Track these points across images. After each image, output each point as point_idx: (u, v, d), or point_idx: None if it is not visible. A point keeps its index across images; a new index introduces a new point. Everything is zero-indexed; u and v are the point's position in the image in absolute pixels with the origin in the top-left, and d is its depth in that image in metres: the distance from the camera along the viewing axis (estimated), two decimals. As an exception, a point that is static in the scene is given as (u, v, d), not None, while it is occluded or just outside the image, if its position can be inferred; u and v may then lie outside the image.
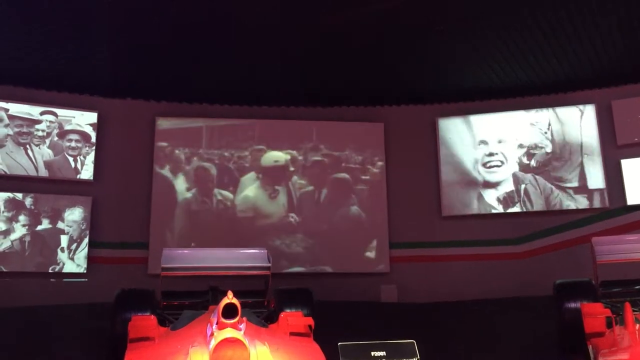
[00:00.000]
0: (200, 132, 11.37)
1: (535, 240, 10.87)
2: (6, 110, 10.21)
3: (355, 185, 11.48)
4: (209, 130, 11.40)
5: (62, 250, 10.17)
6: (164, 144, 11.15)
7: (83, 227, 10.32)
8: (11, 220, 9.99)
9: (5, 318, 8.63)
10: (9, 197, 10.04)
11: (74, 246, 10.23)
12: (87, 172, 10.54)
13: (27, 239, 10.02)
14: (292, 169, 11.46)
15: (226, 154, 11.35)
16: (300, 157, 11.51)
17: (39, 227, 10.12)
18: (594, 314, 5.71)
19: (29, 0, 7.67)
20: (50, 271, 10.07)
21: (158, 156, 11.10)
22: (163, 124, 11.21)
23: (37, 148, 10.36)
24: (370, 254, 11.18)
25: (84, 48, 9.05)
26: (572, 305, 6.27)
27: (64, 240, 10.21)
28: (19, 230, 10.01)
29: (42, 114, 10.44)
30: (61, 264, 10.12)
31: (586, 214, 10.65)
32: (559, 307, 6.43)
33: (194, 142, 11.30)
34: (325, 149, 11.56)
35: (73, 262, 10.17)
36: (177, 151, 11.20)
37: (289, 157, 11.49)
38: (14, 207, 10.04)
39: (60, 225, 10.22)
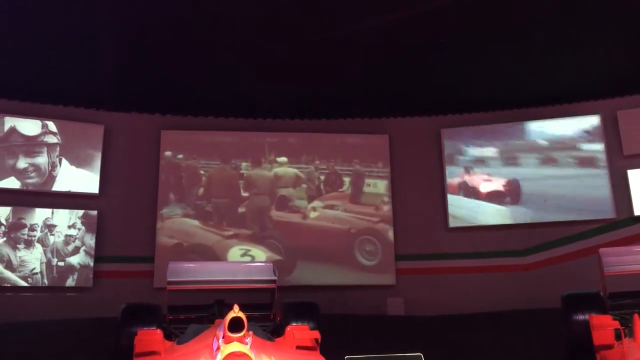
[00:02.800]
0: (205, 145, 11.40)
1: (542, 251, 10.81)
2: (13, 124, 10.25)
3: (361, 197, 11.46)
4: (215, 143, 11.43)
5: (68, 264, 10.14)
6: (170, 157, 11.18)
7: (88, 241, 10.30)
8: (16, 232, 9.98)
9: (11, 332, 8.63)
10: (14, 209, 10.04)
11: (79, 260, 10.21)
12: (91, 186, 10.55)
13: (32, 252, 10.01)
14: (297, 180, 11.45)
15: (232, 166, 11.36)
16: (306, 169, 11.51)
17: (44, 240, 10.11)
18: (602, 326, 5.65)
19: (34, 16, 7.73)
20: (56, 285, 10.04)
21: (163, 169, 11.12)
22: (168, 137, 11.25)
23: (42, 162, 10.38)
24: (377, 267, 11.13)
25: (90, 62, 9.12)
26: (581, 317, 6.22)
27: (69, 254, 10.19)
28: (23, 243, 9.99)
29: (45, 127, 10.47)
30: (68, 278, 10.09)
31: (593, 225, 10.59)
32: (567, 319, 6.37)
33: (200, 155, 11.33)
34: (330, 161, 11.56)
35: (79, 276, 10.14)
36: (182, 164, 11.23)
37: (294, 169, 11.49)
38: (19, 219, 10.04)
39: (65, 238, 10.22)
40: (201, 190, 11.24)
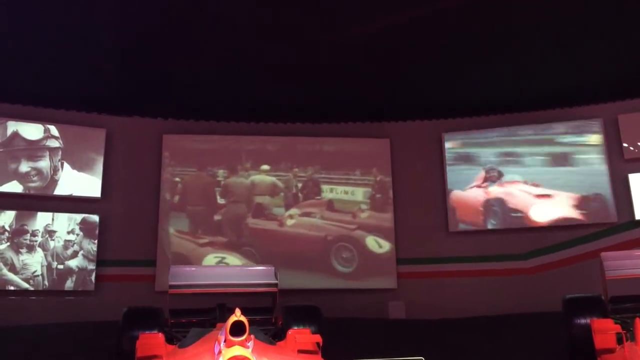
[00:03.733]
0: (206, 148, 11.41)
1: (543, 255, 10.82)
2: (16, 129, 10.28)
3: (362, 201, 11.47)
4: (216, 147, 11.44)
5: (70, 267, 10.17)
6: (171, 161, 11.20)
7: (90, 245, 10.32)
8: (19, 237, 10.01)
9: (13, 336, 8.64)
10: (18, 214, 10.07)
11: (81, 264, 10.22)
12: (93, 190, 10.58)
13: (34, 255, 10.03)
14: (299, 185, 11.47)
15: (233, 170, 11.37)
16: (306, 173, 11.52)
17: (46, 244, 10.14)
18: (604, 330, 5.65)
19: (35, 20, 7.76)
20: (58, 289, 10.06)
21: (165, 173, 11.14)
22: (170, 140, 11.27)
23: (44, 166, 10.41)
24: (378, 270, 11.13)
25: (91, 66, 9.15)
26: (582, 321, 6.21)
27: (71, 257, 10.21)
28: (26, 247, 10.02)
29: (47, 132, 10.50)
30: (71, 282, 10.11)
31: (594, 229, 10.58)
32: (569, 323, 6.37)
33: (201, 159, 11.35)
34: (331, 165, 11.58)
35: (80, 279, 10.16)
36: (184, 168, 11.24)
37: (295, 173, 11.50)
38: (23, 224, 10.07)
39: (67, 242, 10.24)
40: (177, 198, 11.21)
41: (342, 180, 11.54)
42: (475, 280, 10.90)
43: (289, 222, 11.31)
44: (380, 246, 11.29)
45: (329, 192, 11.51)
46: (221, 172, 11.35)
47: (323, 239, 11.25)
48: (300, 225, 11.30)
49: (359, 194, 11.51)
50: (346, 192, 11.52)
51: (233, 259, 10.90)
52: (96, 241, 10.37)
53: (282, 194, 11.43)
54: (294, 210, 11.38)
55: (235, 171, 11.39)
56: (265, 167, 11.49)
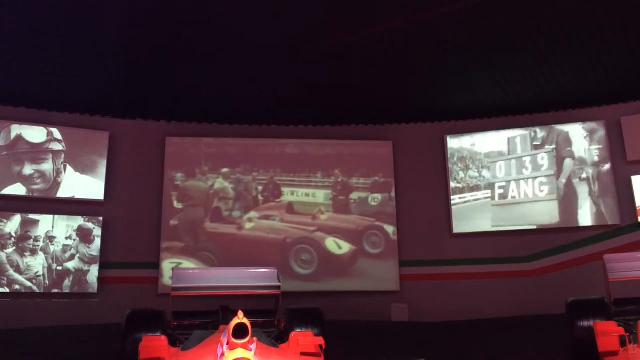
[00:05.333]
0: (210, 151, 11.43)
1: (546, 257, 10.80)
2: (20, 132, 10.33)
3: (364, 203, 11.47)
4: (219, 150, 11.46)
5: (73, 270, 10.20)
6: (174, 163, 11.22)
7: (93, 247, 10.36)
8: (23, 240, 10.06)
9: (16, 339, 8.66)
10: (22, 217, 10.12)
11: (84, 266, 10.26)
12: (97, 192, 10.62)
13: (38, 259, 10.08)
14: (301, 187, 11.47)
15: (236, 173, 11.40)
16: (309, 176, 11.53)
17: (50, 247, 10.17)
18: (607, 332, 5.64)
19: (39, 23, 7.78)
20: (61, 291, 10.10)
21: (168, 176, 11.17)
22: (173, 143, 11.30)
23: (47, 169, 10.45)
24: (380, 273, 11.13)
25: (95, 70, 9.16)
26: (585, 323, 6.19)
27: (73, 259, 10.25)
28: (29, 250, 10.07)
29: (50, 135, 10.54)
30: (73, 284, 10.15)
31: (597, 231, 10.57)
32: (572, 325, 6.35)
33: (204, 162, 11.37)
34: (333, 168, 11.58)
35: (84, 282, 10.20)
36: (187, 171, 11.26)
37: (299, 176, 11.51)
38: (27, 227, 10.12)
39: (70, 245, 10.27)
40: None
41: (304, 183, 11.49)
42: (478, 283, 10.89)
43: (248, 225, 11.25)
44: (339, 247, 11.25)
45: (289, 194, 11.46)
46: (179, 176, 11.27)
47: (282, 241, 11.19)
48: (259, 229, 11.23)
49: (320, 196, 11.48)
50: (307, 195, 11.48)
51: (189, 264, 10.78)
52: (99, 244, 10.39)
53: (241, 197, 11.33)
54: (253, 214, 11.32)
55: (194, 174, 11.31)
56: (270, 166, 11.48)
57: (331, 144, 11.69)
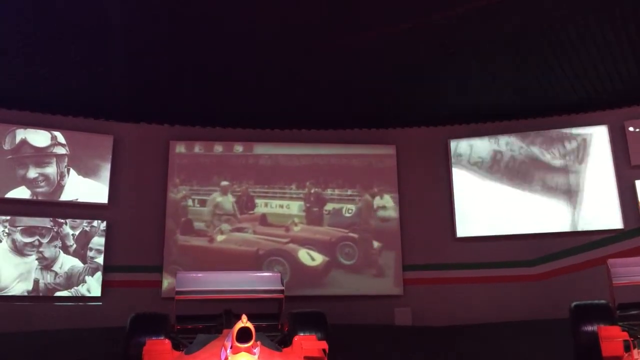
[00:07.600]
0: (213, 155, 11.45)
1: (550, 262, 10.78)
2: (24, 136, 10.37)
3: (368, 207, 11.47)
4: (223, 154, 11.48)
5: (77, 274, 10.22)
6: (178, 167, 11.24)
7: (97, 251, 10.38)
8: (27, 244, 10.08)
9: (20, 342, 8.67)
10: (26, 220, 10.14)
11: (88, 270, 10.28)
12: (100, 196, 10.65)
13: (42, 262, 10.09)
14: (304, 191, 11.48)
15: (239, 176, 11.40)
16: (312, 180, 11.53)
17: (54, 251, 10.19)
18: (611, 337, 5.62)
19: (44, 28, 7.81)
20: (65, 295, 10.11)
21: (172, 180, 11.18)
22: (177, 147, 11.32)
23: (51, 172, 10.48)
24: (384, 276, 11.12)
25: (99, 73, 9.19)
26: (589, 328, 6.17)
27: (78, 264, 10.27)
28: (35, 254, 10.09)
29: (54, 139, 10.58)
30: (76, 288, 10.16)
31: (601, 236, 10.54)
32: (576, 330, 6.33)
33: (208, 166, 11.38)
34: (336, 172, 11.58)
35: (87, 285, 10.21)
36: (191, 175, 11.27)
37: (301, 179, 11.51)
38: (30, 230, 10.14)
39: (74, 248, 10.29)
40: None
41: (277, 195, 11.42)
42: (481, 287, 10.87)
43: (220, 237, 11.16)
44: (312, 259, 11.14)
45: (263, 206, 11.38)
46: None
47: (254, 253, 11.09)
48: (231, 241, 11.12)
49: (294, 207, 11.42)
50: (281, 206, 11.42)
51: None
52: (103, 247, 10.41)
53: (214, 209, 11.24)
54: (225, 226, 11.24)
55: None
56: (273, 169, 11.46)
57: (331, 147, 11.68)
